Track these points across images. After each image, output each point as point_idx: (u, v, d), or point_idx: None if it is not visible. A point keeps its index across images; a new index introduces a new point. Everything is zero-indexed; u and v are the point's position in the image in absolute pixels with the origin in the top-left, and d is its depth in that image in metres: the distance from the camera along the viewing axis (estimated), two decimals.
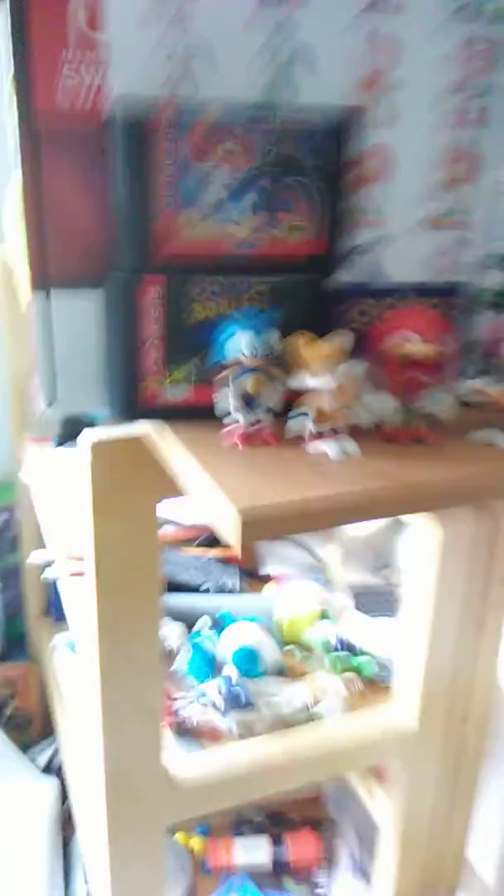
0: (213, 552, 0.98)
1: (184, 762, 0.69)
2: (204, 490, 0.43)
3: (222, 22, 0.43)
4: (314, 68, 0.45)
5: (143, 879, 0.72)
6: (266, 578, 0.97)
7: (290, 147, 0.44)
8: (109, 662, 0.61)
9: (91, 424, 0.54)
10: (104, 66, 0.43)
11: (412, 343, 0.45)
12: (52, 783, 1.34)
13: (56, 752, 1.43)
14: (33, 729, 1.52)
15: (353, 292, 0.50)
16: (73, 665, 1.23)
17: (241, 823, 1.12)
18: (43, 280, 0.47)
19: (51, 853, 1.25)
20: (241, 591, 0.93)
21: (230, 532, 0.39)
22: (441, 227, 0.50)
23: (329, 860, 1.08)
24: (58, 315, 0.47)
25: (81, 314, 0.48)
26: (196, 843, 1.08)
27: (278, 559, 1.01)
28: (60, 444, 1.18)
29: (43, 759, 1.43)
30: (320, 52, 0.44)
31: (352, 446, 0.45)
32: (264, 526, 0.39)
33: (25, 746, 1.46)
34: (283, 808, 1.15)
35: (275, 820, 1.13)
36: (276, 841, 1.08)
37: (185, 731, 0.73)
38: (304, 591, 0.91)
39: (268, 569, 0.99)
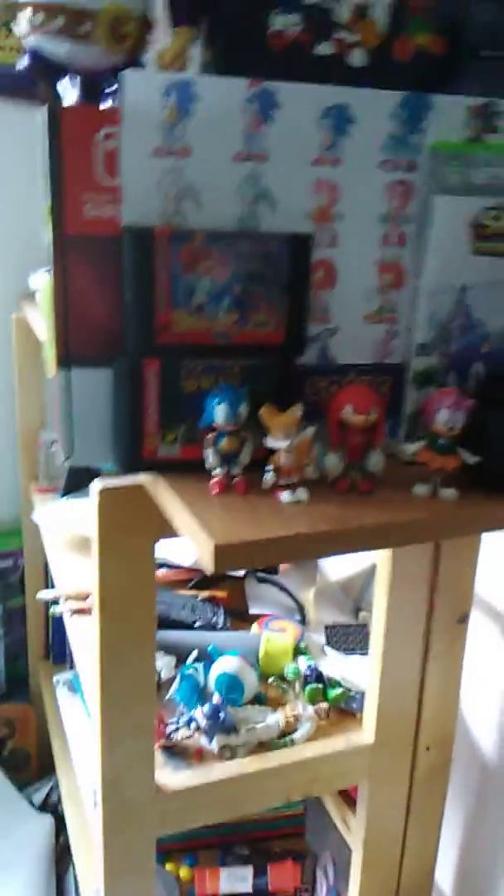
0: (204, 594, 1.09)
1: (173, 779, 0.78)
2: (189, 528, 0.55)
3: (205, 173, 0.57)
4: (274, 206, 0.59)
5: (135, 893, 0.80)
6: (252, 618, 1.07)
7: (255, 264, 0.57)
8: (109, 685, 0.71)
9: (95, 476, 0.66)
10: (117, 203, 0.57)
11: (347, 413, 0.57)
12: (47, 820, 1.40)
13: (52, 790, 1.49)
14: (31, 768, 1.59)
15: (308, 372, 0.64)
16: (72, 703, 1.31)
17: (226, 855, 1.19)
18: (66, 359, 0.60)
19: (44, 887, 1.30)
20: (228, 628, 1.03)
21: (207, 560, 0.51)
22: (375, 321, 0.64)
23: (308, 890, 1.15)
24: (76, 387, 0.60)
25: (95, 386, 0.60)
26: (184, 871, 1.14)
27: (262, 601, 1.11)
28: (65, 494, 1.30)
29: (39, 798, 1.49)
30: (278, 194, 0.58)
31: (304, 495, 0.57)
32: (234, 556, 0.51)
33: (23, 785, 1.52)
34: (268, 841, 1.22)
35: (258, 852, 1.19)
36: (259, 871, 1.14)
37: (175, 752, 0.83)
38: (284, 630, 1.01)
39: (252, 609, 1.09)
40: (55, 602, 1.07)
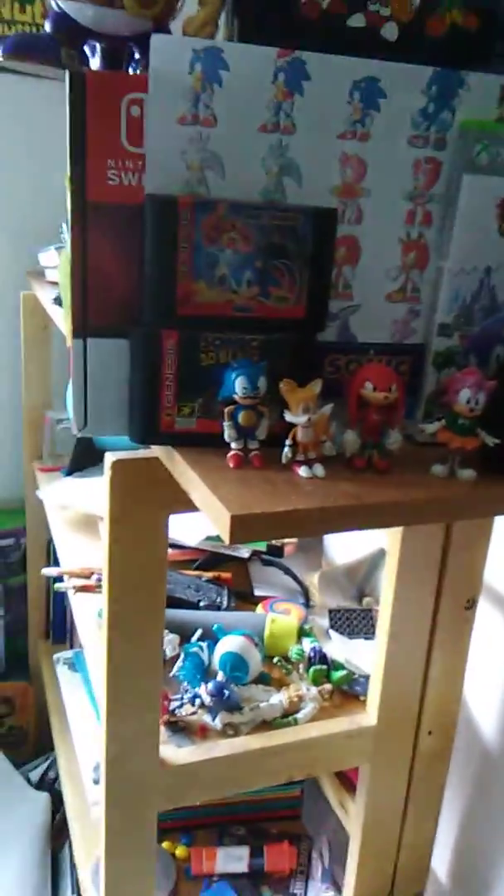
0: (209, 574, 1.09)
1: (177, 754, 0.79)
2: (205, 500, 0.54)
3: (230, 142, 0.56)
4: (299, 179, 0.58)
5: (135, 867, 0.81)
6: (256, 600, 1.07)
7: (278, 237, 0.57)
8: (116, 658, 0.71)
9: (100, 455, 0.65)
10: (140, 171, 0.56)
11: (368, 390, 0.57)
12: (43, 797, 1.41)
13: (49, 768, 1.50)
14: (28, 746, 1.59)
15: (328, 348, 0.63)
16: (72, 682, 1.32)
17: (223, 835, 1.19)
18: (83, 329, 0.59)
19: (39, 863, 1.31)
20: (233, 609, 1.03)
21: (224, 531, 0.51)
22: (396, 300, 0.63)
23: (304, 871, 1.15)
24: (92, 357, 0.60)
25: (111, 357, 0.60)
26: (181, 851, 1.15)
27: (267, 583, 1.12)
28: (70, 473, 1.30)
29: (36, 775, 1.50)
30: (304, 167, 0.58)
31: (320, 471, 0.57)
32: (250, 528, 0.51)
33: (20, 763, 1.52)
34: (264, 822, 1.22)
35: (255, 833, 1.20)
36: (256, 852, 1.15)
37: (179, 729, 0.83)
38: (289, 612, 1.01)
39: (257, 591, 1.09)
40: (59, 579, 1.07)
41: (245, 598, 1.06)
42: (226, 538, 0.50)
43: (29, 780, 1.49)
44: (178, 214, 0.55)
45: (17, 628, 1.59)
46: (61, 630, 1.52)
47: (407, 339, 0.65)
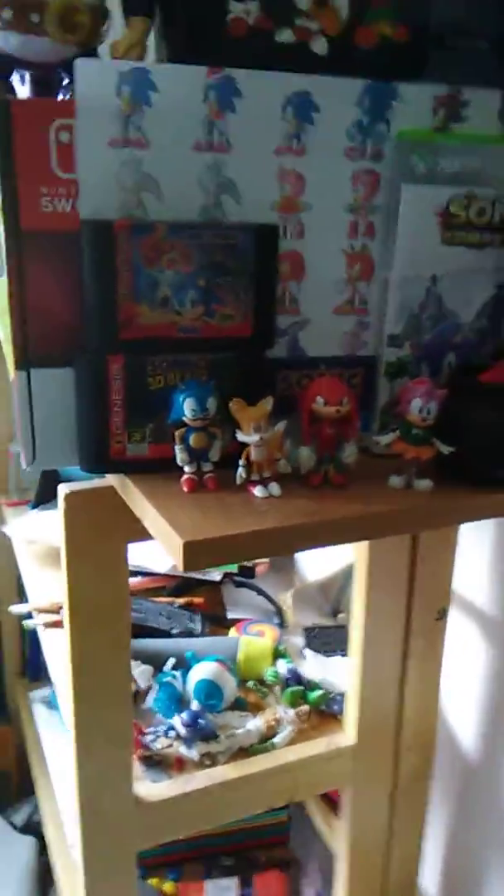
0: (181, 600, 1.07)
1: (153, 790, 0.76)
2: (157, 527, 0.53)
3: (164, 163, 0.55)
4: (238, 196, 0.57)
5: None
6: (230, 623, 1.05)
7: (219, 256, 0.56)
8: (83, 695, 0.69)
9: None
10: (74, 197, 0.55)
11: (319, 405, 0.56)
12: (28, 841, 1.37)
13: (34, 811, 1.46)
14: (11, 789, 1.55)
15: (278, 365, 0.62)
16: (50, 721, 1.29)
17: (211, 867, 1.16)
18: (24, 361, 0.58)
19: None
20: (206, 634, 1.01)
21: (177, 559, 0.49)
22: (344, 313, 0.62)
23: None
24: (36, 389, 0.58)
25: (56, 388, 0.58)
26: (168, 887, 1.12)
27: (240, 605, 1.10)
28: (36, 506, 1.27)
29: (21, 819, 1.46)
30: (241, 185, 0.57)
31: (276, 490, 0.56)
32: (205, 553, 0.49)
33: (4, 806, 1.48)
34: (252, 850, 1.20)
35: (244, 862, 1.17)
36: (245, 882, 1.12)
37: (154, 763, 0.81)
38: (263, 633, 1.00)
39: (230, 614, 1.08)
40: (28, 616, 1.04)
41: (219, 622, 1.05)
42: (180, 565, 0.48)
43: (13, 825, 1.44)
44: (115, 238, 0.54)
45: None
46: (38, 667, 1.48)
47: (358, 351, 0.64)
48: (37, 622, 1.00)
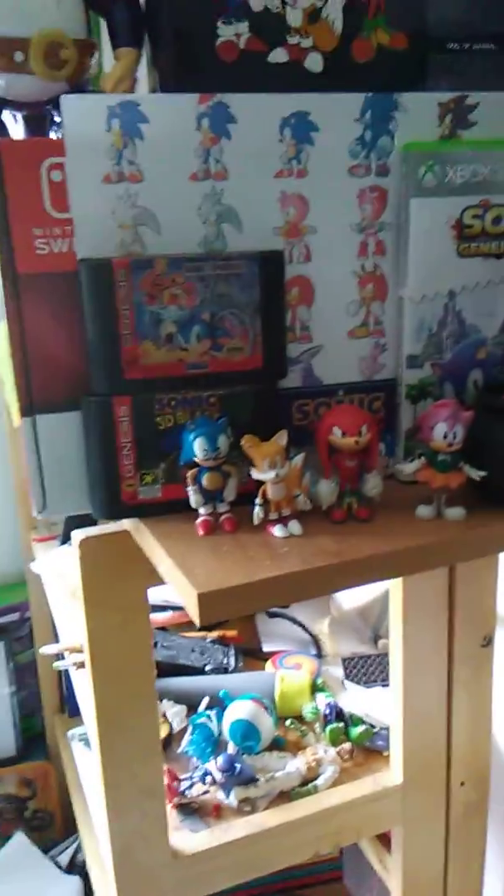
0: (213, 634, 1.04)
1: (190, 841, 0.73)
2: (172, 575, 0.50)
3: (161, 196, 0.53)
4: (239, 224, 0.55)
5: None
6: (265, 656, 1.02)
7: (223, 287, 0.54)
8: (109, 745, 0.66)
9: (94, 522, 0.61)
10: (70, 237, 0.54)
11: (336, 436, 0.53)
12: (74, 881, 1.35)
13: (78, 850, 1.44)
14: (55, 828, 1.53)
15: (294, 395, 0.60)
16: (88, 758, 1.26)
17: None
18: (29, 408, 0.56)
19: None
20: (241, 669, 0.98)
21: (192, 612, 0.46)
22: (360, 336, 0.59)
23: None
24: (43, 435, 0.56)
25: (64, 433, 0.56)
26: None
27: (275, 637, 1.06)
28: (64, 542, 1.26)
29: (65, 858, 1.44)
30: (242, 212, 0.55)
31: (296, 528, 0.53)
32: (222, 605, 0.46)
33: (48, 846, 1.46)
34: (304, 889, 1.15)
35: None
36: None
37: (191, 810, 0.77)
38: (300, 666, 0.96)
39: (266, 647, 1.04)
40: (60, 656, 1.03)
41: (254, 655, 1.01)
42: (195, 619, 0.46)
43: (58, 864, 1.42)
44: (114, 276, 0.52)
45: (31, 706, 1.54)
46: (76, 703, 1.46)
47: (376, 375, 0.61)
48: (67, 663, 0.98)
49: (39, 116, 0.59)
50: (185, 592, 0.47)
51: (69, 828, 1.49)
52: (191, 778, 0.78)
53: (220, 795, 0.77)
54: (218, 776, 0.77)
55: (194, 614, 0.46)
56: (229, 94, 0.53)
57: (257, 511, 0.53)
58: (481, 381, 0.62)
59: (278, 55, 0.55)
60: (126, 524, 0.60)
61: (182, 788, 0.78)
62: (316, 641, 1.03)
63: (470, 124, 0.58)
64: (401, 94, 0.56)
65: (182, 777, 0.79)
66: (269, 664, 0.98)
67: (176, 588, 0.49)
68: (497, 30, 0.59)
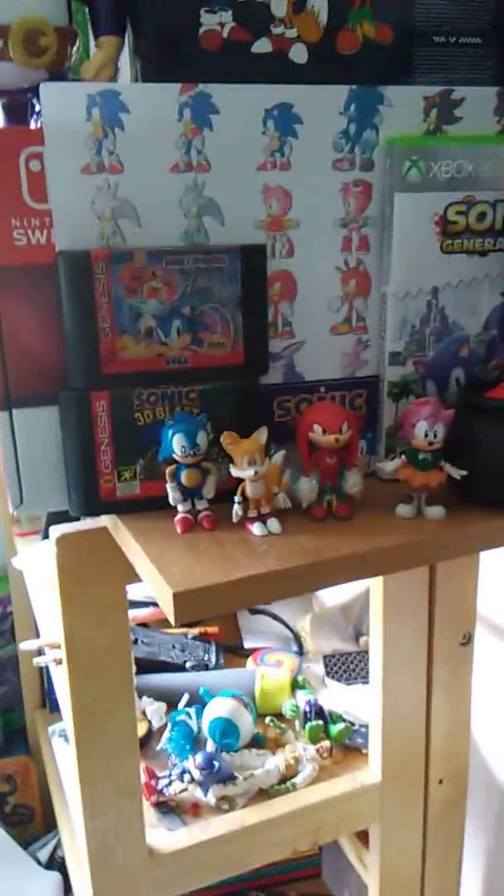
0: (194, 630, 1.03)
1: (167, 839, 0.73)
2: (148, 573, 0.50)
3: (141, 187, 0.52)
4: (221, 217, 0.54)
5: None
6: (247, 652, 1.01)
7: (204, 281, 0.53)
8: (87, 743, 0.65)
9: (75, 518, 0.60)
10: (48, 228, 0.53)
11: (317, 433, 0.53)
12: (53, 877, 1.34)
13: (58, 846, 1.43)
14: (35, 823, 1.52)
15: (275, 391, 0.59)
16: (69, 754, 1.25)
17: None
18: (6, 402, 0.55)
19: None
20: (221, 666, 0.97)
21: (168, 610, 0.46)
22: (342, 332, 0.59)
23: None
24: (19, 430, 0.55)
25: (41, 428, 0.55)
26: None
27: (256, 633, 1.06)
28: (46, 536, 1.24)
29: (45, 854, 1.43)
30: (224, 205, 0.54)
31: (275, 526, 0.52)
32: (197, 604, 0.46)
33: (28, 842, 1.45)
34: (283, 885, 1.16)
35: None
36: None
37: (168, 809, 0.77)
38: (280, 663, 0.96)
39: (247, 643, 1.04)
40: (41, 652, 1.02)
41: (235, 652, 1.01)
42: (171, 618, 0.45)
43: (38, 860, 1.41)
44: (92, 269, 0.51)
45: (12, 700, 1.52)
46: (56, 699, 1.45)
47: (358, 371, 0.60)
48: (46, 659, 0.97)
49: (19, 105, 0.57)
50: (160, 591, 0.46)
51: (49, 823, 1.48)
52: (169, 776, 0.78)
53: (199, 793, 0.77)
54: (196, 774, 0.76)
55: (170, 613, 0.45)
56: (212, 84, 0.52)
57: (236, 509, 0.53)
58: (463, 379, 0.62)
59: (262, 45, 0.54)
60: (104, 521, 0.59)
61: (160, 786, 0.77)
62: (297, 638, 1.03)
63: (455, 119, 0.57)
64: (386, 88, 0.55)
65: (160, 775, 0.78)
66: (250, 661, 0.97)
67: (152, 586, 0.49)
68: (483, 24, 0.58)
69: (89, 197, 0.52)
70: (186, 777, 0.77)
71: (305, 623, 1.04)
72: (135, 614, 1.01)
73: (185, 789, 0.77)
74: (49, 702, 1.48)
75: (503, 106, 0.58)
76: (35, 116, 0.58)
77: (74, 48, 0.56)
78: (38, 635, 1.13)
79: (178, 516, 0.53)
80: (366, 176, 0.56)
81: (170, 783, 0.77)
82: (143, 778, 0.77)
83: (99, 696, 0.63)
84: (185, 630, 1.04)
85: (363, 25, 0.55)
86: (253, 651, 1.00)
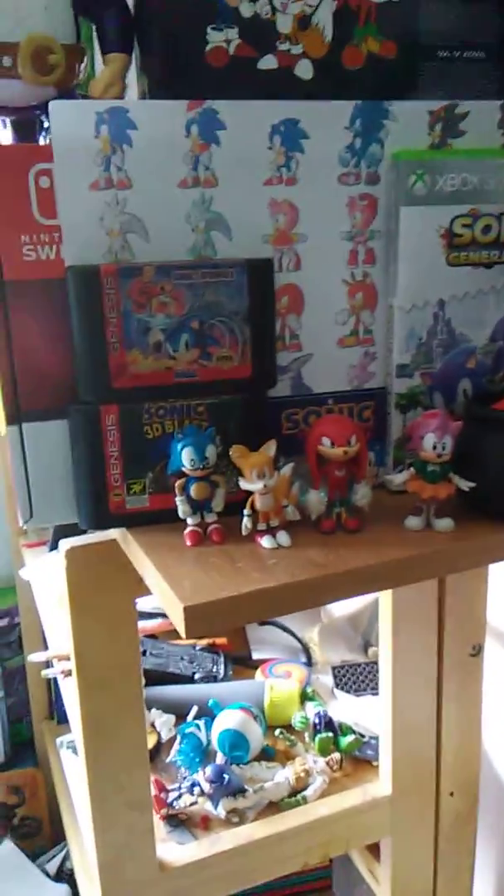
0: (203, 642, 1.03)
1: (177, 853, 0.72)
2: (158, 587, 0.50)
3: (149, 203, 0.53)
4: (228, 232, 0.55)
5: None
6: (255, 664, 1.01)
7: (212, 295, 0.53)
8: (96, 757, 0.65)
9: (83, 530, 0.61)
10: (57, 243, 0.53)
11: (325, 446, 0.53)
12: (62, 890, 1.33)
13: (67, 858, 1.42)
14: (43, 835, 1.51)
15: (283, 404, 0.59)
16: (77, 766, 1.25)
17: None
18: (16, 415, 0.55)
19: None
20: (230, 677, 0.97)
21: (179, 625, 0.46)
22: (349, 345, 0.59)
23: None
24: (29, 444, 0.56)
25: (50, 441, 0.56)
26: None
27: (265, 644, 1.06)
28: (53, 548, 1.25)
29: (53, 866, 1.42)
30: (231, 219, 0.54)
31: (285, 539, 0.52)
32: (207, 618, 0.46)
33: (37, 854, 1.45)
34: None
35: None
36: None
37: (178, 823, 0.77)
38: (289, 674, 0.96)
39: (255, 654, 1.04)
40: (49, 664, 1.02)
41: (243, 663, 1.01)
42: (182, 632, 0.45)
43: (46, 872, 1.41)
44: (101, 284, 0.52)
45: (20, 712, 1.52)
46: (64, 710, 1.45)
47: (366, 384, 0.61)
48: (55, 671, 0.97)
49: (28, 122, 0.58)
50: (171, 605, 0.46)
51: (57, 835, 1.48)
52: (179, 789, 0.78)
53: (209, 806, 0.76)
54: (206, 787, 0.76)
55: (181, 627, 0.45)
56: (219, 100, 0.52)
57: (245, 522, 0.53)
58: (470, 391, 0.62)
59: (268, 62, 0.55)
60: (113, 534, 0.59)
61: (170, 799, 0.77)
62: (306, 649, 1.02)
63: (460, 133, 0.58)
64: (391, 103, 0.55)
65: (170, 788, 0.78)
66: (258, 672, 0.97)
67: (162, 600, 0.49)
68: (487, 38, 0.58)
69: (98, 212, 0.52)
70: (196, 790, 0.77)
71: (314, 634, 1.04)
72: (143, 626, 1.01)
73: (195, 802, 0.77)
74: (57, 713, 1.48)
75: None
76: (44, 133, 0.59)
77: (82, 65, 0.56)
78: (46, 647, 1.13)
79: (188, 529, 0.54)
80: (371, 190, 0.57)
81: (180, 796, 0.77)
82: (153, 791, 0.77)
83: (109, 708, 0.63)
84: (193, 641, 1.04)
85: (368, 41, 0.56)
86: (262, 662, 0.99)
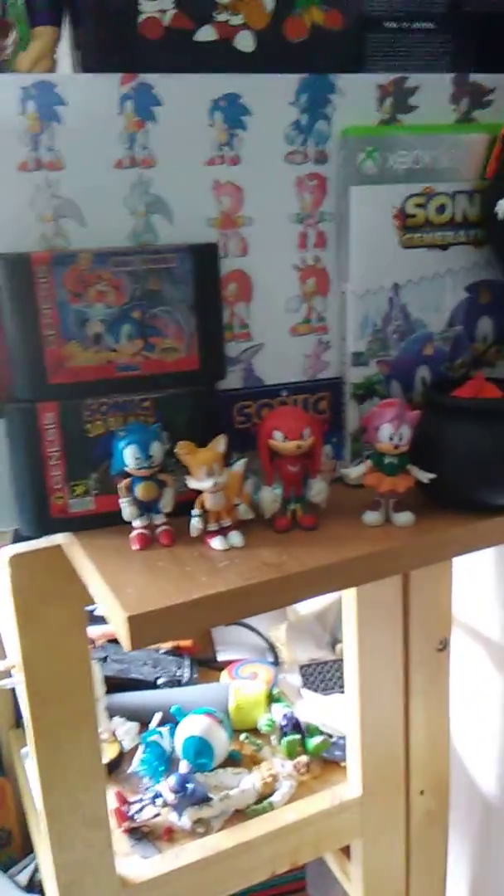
0: (166, 645, 1.00)
1: (140, 868, 0.69)
2: (101, 595, 0.46)
3: (84, 185, 0.50)
4: (170, 215, 0.52)
5: None
6: (221, 665, 0.98)
7: (154, 283, 0.50)
8: (50, 774, 0.62)
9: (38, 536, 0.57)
10: None
11: (277, 440, 0.50)
12: None
13: (37, 869, 1.38)
14: (14, 846, 1.47)
15: (234, 396, 0.56)
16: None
17: None
18: None
19: None
20: (195, 681, 0.94)
21: (122, 636, 0.43)
22: (302, 333, 0.56)
23: None
24: None
25: None
26: None
27: (230, 645, 1.03)
28: None
29: (24, 877, 1.38)
30: (173, 202, 0.51)
31: (237, 540, 0.50)
32: (153, 627, 0.43)
33: (7, 865, 1.40)
34: None
35: None
36: None
37: (142, 835, 0.74)
38: (256, 675, 0.93)
39: (221, 656, 1.01)
40: (8, 674, 0.98)
41: (209, 665, 0.98)
42: (125, 643, 0.42)
43: (17, 884, 1.37)
44: (34, 273, 0.48)
45: None
46: None
47: (320, 373, 0.58)
48: (14, 681, 0.93)
49: None
50: (113, 614, 0.43)
51: (28, 846, 1.44)
52: (141, 800, 0.75)
53: (173, 817, 0.74)
54: (170, 797, 0.73)
55: (124, 639, 0.42)
56: (154, 74, 0.49)
57: (195, 522, 0.50)
58: (429, 379, 0.59)
59: (206, 33, 0.51)
60: (59, 539, 0.56)
61: (132, 812, 0.74)
62: (273, 648, 1.00)
63: (411, 108, 0.55)
64: (337, 76, 0.53)
65: (132, 800, 0.75)
66: (224, 674, 0.94)
67: (105, 609, 0.46)
68: (437, 8, 0.56)
69: (28, 196, 0.49)
70: (159, 801, 0.74)
71: (280, 633, 1.01)
72: (105, 630, 0.97)
73: (158, 814, 0.74)
74: (23, 721, 1.44)
75: (460, 93, 0.56)
76: None
77: (10, 40, 0.53)
78: (5, 656, 1.08)
79: (135, 532, 0.50)
80: (320, 169, 0.54)
81: (142, 808, 0.74)
82: (115, 804, 0.74)
83: (60, 722, 0.60)
84: (156, 645, 1.00)
85: (312, 11, 0.53)
86: (227, 664, 0.97)
